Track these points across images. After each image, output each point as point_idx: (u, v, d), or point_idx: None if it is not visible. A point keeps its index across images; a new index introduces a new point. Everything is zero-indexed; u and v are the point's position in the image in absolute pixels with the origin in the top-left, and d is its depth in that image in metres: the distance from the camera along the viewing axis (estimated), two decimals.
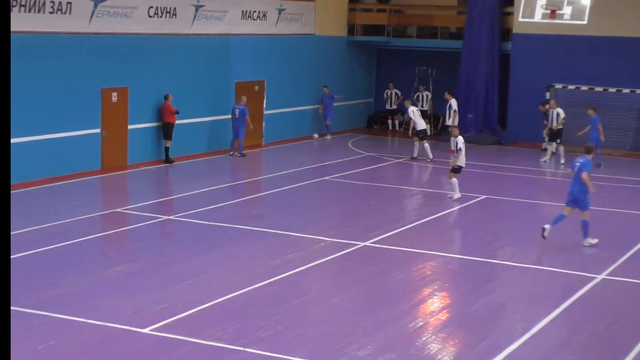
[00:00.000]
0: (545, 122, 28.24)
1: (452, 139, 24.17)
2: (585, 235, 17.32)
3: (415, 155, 27.79)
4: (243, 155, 26.82)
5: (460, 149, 21.41)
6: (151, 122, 25.35)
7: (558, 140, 27.07)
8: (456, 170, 21.36)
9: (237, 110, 26.62)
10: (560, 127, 26.99)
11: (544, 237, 17.09)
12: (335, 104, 31.78)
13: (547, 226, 17.20)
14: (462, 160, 21.50)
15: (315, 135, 31.01)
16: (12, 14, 20.60)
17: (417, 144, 27.84)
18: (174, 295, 13.46)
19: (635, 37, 30.13)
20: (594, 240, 17.31)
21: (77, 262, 15.27)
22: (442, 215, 20.17)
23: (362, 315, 12.98)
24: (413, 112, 27.87)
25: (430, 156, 27.29)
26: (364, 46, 35.04)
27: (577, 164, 17.12)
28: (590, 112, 27.36)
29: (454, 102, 29.45)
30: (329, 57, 33.19)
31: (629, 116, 29.76)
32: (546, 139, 28.87)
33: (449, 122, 29.23)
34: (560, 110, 26.81)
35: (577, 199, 17.22)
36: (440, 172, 25.90)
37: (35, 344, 11.40)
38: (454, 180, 21.37)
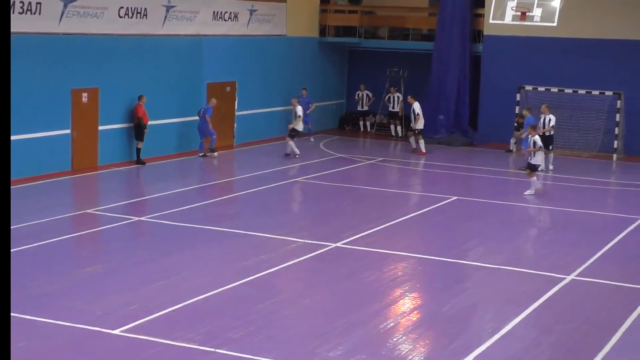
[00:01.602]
0: (517, 128, 28.29)
1: (411, 138, 28.65)
2: None
3: (415, 147, 29.29)
4: (212, 152, 26.95)
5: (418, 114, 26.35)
6: (122, 122, 25.27)
7: (550, 147, 26.49)
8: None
9: (202, 109, 26.79)
10: (551, 133, 26.47)
11: None
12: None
13: None
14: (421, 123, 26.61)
15: (312, 139, 31.24)
16: None
17: (413, 138, 29.24)
18: (145, 296, 13.45)
19: (605, 39, 30.38)
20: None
21: (48, 264, 15.22)
22: (413, 216, 20.26)
23: (334, 316, 13.01)
24: (419, 107, 29.00)
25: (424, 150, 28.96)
26: (335, 47, 35.10)
27: None
28: (525, 112, 27.57)
29: (416, 106, 29.29)
30: (300, 58, 33.22)
31: (598, 117, 29.95)
32: (513, 141, 29.05)
33: (413, 126, 29.36)
34: (552, 117, 26.45)
35: None
36: (413, 174, 26.02)
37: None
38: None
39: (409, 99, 29.86)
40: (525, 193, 22.69)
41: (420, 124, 29.03)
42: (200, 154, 26.74)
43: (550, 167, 26.71)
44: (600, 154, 29.33)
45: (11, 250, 15.60)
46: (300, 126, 28.10)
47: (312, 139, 31.19)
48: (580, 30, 30.52)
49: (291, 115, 29.14)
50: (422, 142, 29.25)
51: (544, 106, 26.89)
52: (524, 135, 25.79)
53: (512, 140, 29.43)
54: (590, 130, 29.85)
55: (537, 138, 22.89)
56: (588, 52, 30.58)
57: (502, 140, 30.49)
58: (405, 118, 33.22)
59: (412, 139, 29.74)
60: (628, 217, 20.58)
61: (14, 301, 12.85)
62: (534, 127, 23.78)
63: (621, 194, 23.79)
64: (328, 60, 34.99)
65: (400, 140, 32.44)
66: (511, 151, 29.47)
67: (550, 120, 26.31)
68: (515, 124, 29.13)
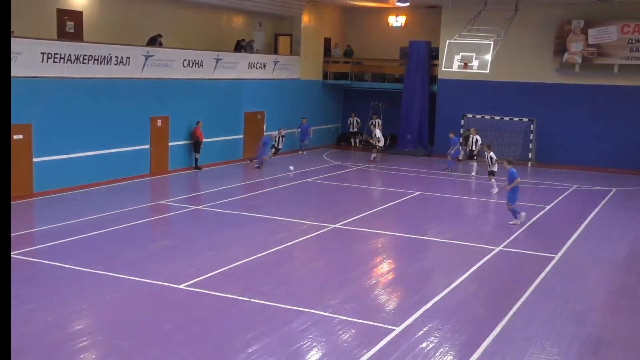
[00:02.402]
0: (464, 145, 28.22)
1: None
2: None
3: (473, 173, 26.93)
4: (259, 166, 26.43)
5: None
6: (185, 140, 25.30)
7: (475, 158, 26.42)
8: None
9: (303, 127, 26.69)
10: (478, 149, 26.23)
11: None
12: (313, 128, 31.72)
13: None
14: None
15: (291, 168, 26.81)
16: (95, 66, 20.59)
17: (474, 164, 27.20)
18: (201, 262, 13.47)
19: (522, 82, 30.35)
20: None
21: (132, 240, 15.25)
22: (389, 206, 20.25)
23: (333, 276, 13.04)
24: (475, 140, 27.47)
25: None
26: (334, 87, 35.07)
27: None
28: (451, 135, 27.58)
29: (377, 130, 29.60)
30: (309, 94, 33.19)
31: (518, 136, 29.90)
32: (462, 155, 28.95)
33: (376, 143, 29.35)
34: (478, 137, 26.31)
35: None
36: (388, 176, 25.98)
37: (105, 294, 11.40)
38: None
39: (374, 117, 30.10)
40: (492, 191, 22.26)
41: (380, 143, 29.21)
42: (257, 166, 26.32)
43: (473, 173, 26.03)
44: (519, 162, 29.19)
45: (107, 230, 15.66)
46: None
47: (304, 153, 30.55)
48: (505, 76, 30.49)
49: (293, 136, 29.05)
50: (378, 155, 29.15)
51: (472, 130, 26.82)
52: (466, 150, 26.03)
53: (461, 153, 29.13)
54: (512, 145, 29.79)
55: (492, 153, 22.54)
56: (510, 91, 30.54)
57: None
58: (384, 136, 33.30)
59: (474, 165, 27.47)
60: (539, 206, 20.55)
61: (109, 265, 12.91)
62: (489, 146, 23.29)
63: (535, 189, 23.72)
64: (329, 96, 34.96)
65: (378, 151, 32.41)
66: (460, 160, 29.22)
67: (477, 140, 26.07)
68: (461, 140, 29.02)
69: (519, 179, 17.75)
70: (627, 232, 17.81)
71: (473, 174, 26.18)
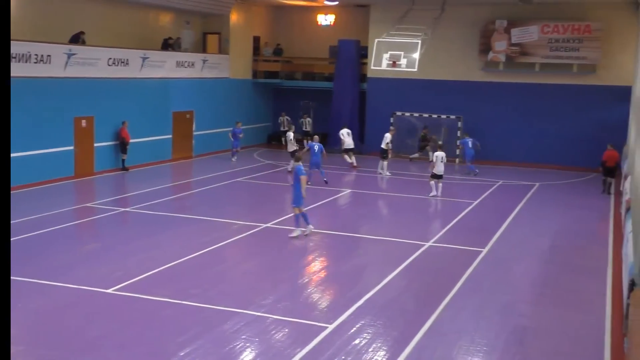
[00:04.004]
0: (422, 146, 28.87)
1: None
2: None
3: (351, 162, 27.63)
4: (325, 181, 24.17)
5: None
6: (111, 141, 24.80)
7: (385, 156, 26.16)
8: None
9: (316, 146, 23.21)
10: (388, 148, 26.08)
11: None
12: (243, 127, 31.47)
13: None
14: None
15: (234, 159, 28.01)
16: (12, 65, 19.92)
17: (345, 156, 27.74)
18: (130, 266, 13.23)
19: (449, 80, 30.98)
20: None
21: (57, 244, 14.85)
22: (321, 204, 20.33)
23: (265, 276, 13.02)
24: (342, 133, 27.80)
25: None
26: (264, 86, 34.98)
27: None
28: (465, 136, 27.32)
29: (343, 131, 28.98)
30: (239, 93, 33.01)
31: (446, 134, 30.50)
32: (417, 155, 29.35)
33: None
34: (388, 134, 26.16)
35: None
36: (320, 174, 26.14)
37: (27, 302, 11.06)
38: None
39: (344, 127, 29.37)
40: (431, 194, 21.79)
41: (343, 145, 28.19)
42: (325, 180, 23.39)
43: (381, 169, 26.01)
44: (449, 159, 29.68)
45: (30, 235, 15.19)
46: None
47: (235, 159, 28.12)
48: (433, 74, 31.05)
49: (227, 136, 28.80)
50: (345, 157, 27.92)
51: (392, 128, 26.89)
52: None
53: (416, 155, 29.53)
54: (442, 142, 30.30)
55: (443, 154, 22.10)
56: (438, 89, 31.13)
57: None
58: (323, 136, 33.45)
59: (346, 156, 27.94)
60: (467, 202, 21.02)
61: (34, 271, 12.54)
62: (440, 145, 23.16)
63: (462, 185, 24.25)
64: (259, 95, 34.85)
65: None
66: (411, 160, 29.51)
67: (386, 137, 25.84)
68: (420, 142, 29.51)
69: (304, 177, 15.80)
70: (550, 224, 18.43)
71: (388, 173, 26.23)
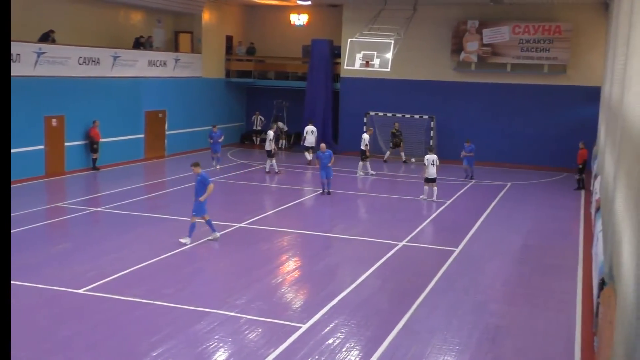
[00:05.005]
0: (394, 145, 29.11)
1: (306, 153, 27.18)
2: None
3: (309, 159, 28.12)
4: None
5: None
6: (82, 140, 24.54)
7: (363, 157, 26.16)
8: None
9: (323, 155, 21.85)
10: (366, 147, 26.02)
11: None
12: (218, 126, 31.28)
13: None
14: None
15: (217, 167, 26.21)
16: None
17: (306, 153, 28.37)
18: (102, 265, 13.10)
19: (422, 80, 31.13)
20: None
21: (27, 244, 14.64)
22: (294, 204, 20.31)
23: (239, 276, 12.96)
24: (306, 130, 28.06)
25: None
26: (237, 85, 34.85)
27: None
28: (368, 132, 26.78)
29: (308, 128, 29.05)
30: (212, 92, 32.87)
31: (419, 133, 30.66)
32: (388, 153, 29.42)
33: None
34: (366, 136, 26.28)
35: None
36: (294, 174, 26.08)
37: None
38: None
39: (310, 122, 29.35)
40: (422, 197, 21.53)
41: (304, 142, 28.65)
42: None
43: (371, 171, 26.09)
44: (420, 158, 29.81)
45: None
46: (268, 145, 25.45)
47: (218, 167, 26.24)
48: (406, 74, 31.18)
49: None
50: (306, 154, 28.39)
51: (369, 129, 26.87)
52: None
53: (388, 152, 29.63)
54: (414, 142, 30.52)
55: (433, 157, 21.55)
56: (411, 88, 31.27)
57: (356, 150, 30.71)
58: (287, 135, 33.52)
59: (306, 153, 28.41)
60: (440, 201, 21.12)
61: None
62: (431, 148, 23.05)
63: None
64: (232, 94, 34.73)
65: (283, 150, 32.58)
66: (386, 161, 29.53)
67: (364, 138, 25.93)
68: (391, 142, 29.59)
69: (212, 185, 15.07)
70: (522, 224, 18.60)
71: (367, 172, 26.29)
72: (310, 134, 28.52)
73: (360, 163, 26.27)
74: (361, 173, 26.04)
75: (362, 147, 26.10)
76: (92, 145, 24.54)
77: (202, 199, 15.07)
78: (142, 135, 27.94)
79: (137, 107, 27.55)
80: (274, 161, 25.65)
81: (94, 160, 24.67)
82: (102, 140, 24.79)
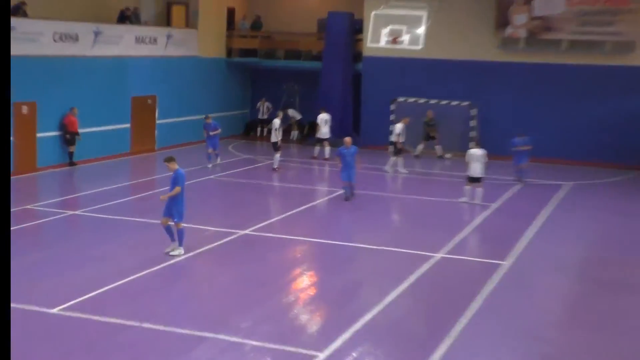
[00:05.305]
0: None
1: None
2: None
3: (315, 155, 28.14)
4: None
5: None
6: (57, 131, 24.58)
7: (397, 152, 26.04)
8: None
9: (346, 152, 20.78)
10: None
11: None
12: (214, 115, 31.15)
13: None
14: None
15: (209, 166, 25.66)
16: None
17: (316, 147, 28.32)
18: (81, 280, 13.02)
19: (460, 60, 30.91)
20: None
21: None
22: (308, 207, 20.20)
23: (243, 293, 12.88)
24: (320, 119, 28.19)
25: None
26: (240, 66, 34.83)
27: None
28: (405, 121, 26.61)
29: (321, 116, 28.83)
30: (210, 75, 32.87)
31: (457, 123, 30.42)
32: (421, 147, 29.31)
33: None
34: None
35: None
36: (307, 171, 25.97)
37: None
38: None
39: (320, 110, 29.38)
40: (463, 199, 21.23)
41: (318, 133, 28.61)
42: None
43: (403, 170, 26.01)
44: (458, 154, 29.51)
45: None
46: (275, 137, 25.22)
47: (210, 166, 25.55)
48: (441, 53, 30.98)
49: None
50: (316, 148, 28.39)
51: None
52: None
53: (420, 146, 29.37)
54: (451, 134, 30.26)
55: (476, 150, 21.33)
56: (447, 70, 31.02)
57: (381, 143, 30.53)
58: (299, 125, 33.48)
59: (317, 147, 28.40)
60: (484, 205, 20.91)
61: None
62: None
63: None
64: (234, 77, 34.71)
65: (298, 143, 32.54)
66: (417, 156, 29.28)
67: (396, 127, 25.79)
68: (424, 134, 29.50)
69: (178, 188, 14.71)
70: (583, 233, 18.40)
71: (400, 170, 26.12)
72: (324, 123, 28.40)
73: (393, 158, 25.92)
74: (390, 170, 25.80)
75: (393, 139, 25.88)
76: (68, 137, 24.59)
77: (163, 197, 14.84)
78: (128, 125, 27.96)
79: (123, 92, 27.57)
80: (277, 155, 25.40)
81: (71, 154, 24.74)
82: (80, 130, 24.83)
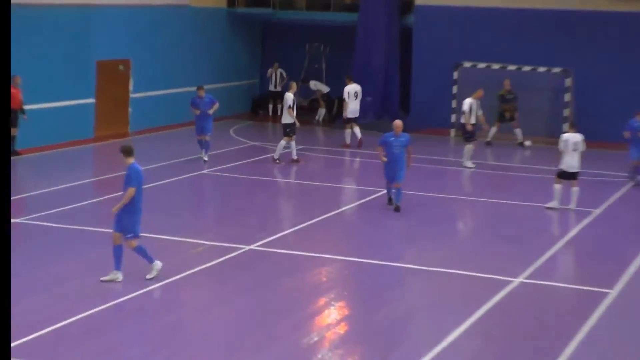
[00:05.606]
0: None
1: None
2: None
3: (347, 142, 28.26)
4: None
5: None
6: None
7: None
8: None
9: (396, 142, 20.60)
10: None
11: None
12: (214, 85, 31.31)
13: None
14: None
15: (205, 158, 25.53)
16: None
17: (347, 131, 28.42)
18: (27, 310, 13.07)
19: (549, 9, 30.78)
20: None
21: None
22: (336, 213, 20.18)
23: (249, 330, 12.91)
24: (348, 93, 28.33)
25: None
26: (247, 20, 34.95)
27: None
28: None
29: (347, 89, 28.78)
30: (206, 31, 33.03)
31: (544, 97, 30.27)
32: (494, 130, 29.09)
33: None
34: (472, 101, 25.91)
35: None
36: (335, 164, 25.99)
37: None
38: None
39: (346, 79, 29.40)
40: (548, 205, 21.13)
41: (346, 111, 28.70)
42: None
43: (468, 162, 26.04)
44: (548, 140, 29.46)
45: None
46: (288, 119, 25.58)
47: (206, 158, 25.41)
48: (522, 0, 30.87)
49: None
50: (347, 132, 28.48)
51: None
52: None
53: (493, 129, 29.11)
54: (535, 113, 30.13)
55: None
56: (533, 24, 30.97)
57: (439, 126, 30.55)
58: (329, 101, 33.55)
59: (347, 131, 28.51)
60: (582, 211, 20.80)
61: None
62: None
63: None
64: (238, 34, 34.82)
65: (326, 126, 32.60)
66: (489, 143, 29.12)
67: (465, 103, 25.71)
68: (499, 112, 29.38)
69: (131, 189, 14.67)
70: None
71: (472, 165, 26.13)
72: (353, 97, 28.30)
73: (468, 146, 25.74)
74: (469, 163, 25.60)
75: (462, 121, 25.79)
76: (9, 116, 24.71)
77: (115, 209, 14.68)
78: (92, 101, 28.12)
79: (85, 54, 27.73)
80: (292, 143, 25.29)
81: (12, 140, 24.82)
82: (25, 107, 24.93)
